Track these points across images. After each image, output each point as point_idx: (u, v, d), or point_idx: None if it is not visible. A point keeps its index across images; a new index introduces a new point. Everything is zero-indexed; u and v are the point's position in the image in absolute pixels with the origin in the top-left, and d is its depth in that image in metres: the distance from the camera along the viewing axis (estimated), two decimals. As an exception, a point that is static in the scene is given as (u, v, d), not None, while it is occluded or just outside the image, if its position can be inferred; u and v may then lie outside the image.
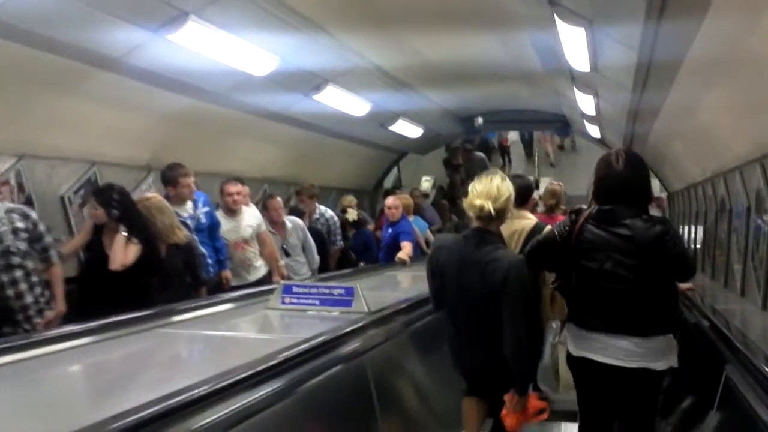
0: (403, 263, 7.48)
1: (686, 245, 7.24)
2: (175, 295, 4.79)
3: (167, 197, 5.67)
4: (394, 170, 14.11)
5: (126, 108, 5.99)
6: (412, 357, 4.65)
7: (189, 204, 5.91)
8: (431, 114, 10.56)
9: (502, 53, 7.45)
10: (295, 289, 4.54)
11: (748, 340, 3.66)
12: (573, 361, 3.68)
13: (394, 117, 9.69)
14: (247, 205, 6.66)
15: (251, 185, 8.21)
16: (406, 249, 7.55)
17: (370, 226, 9.49)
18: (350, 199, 9.12)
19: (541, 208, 6.81)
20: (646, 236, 3.41)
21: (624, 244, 3.43)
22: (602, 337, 3.49)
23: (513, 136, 17.21)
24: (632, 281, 3.43)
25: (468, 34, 6.67)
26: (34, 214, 4.55)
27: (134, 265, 4.81)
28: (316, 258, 7.39)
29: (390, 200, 8.07)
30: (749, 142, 4.95)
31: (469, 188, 3.64)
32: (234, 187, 6.47)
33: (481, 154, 15.34)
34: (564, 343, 3.83)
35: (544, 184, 10.47)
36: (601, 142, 11.69)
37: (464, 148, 15.60)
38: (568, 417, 5.26)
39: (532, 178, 13.74)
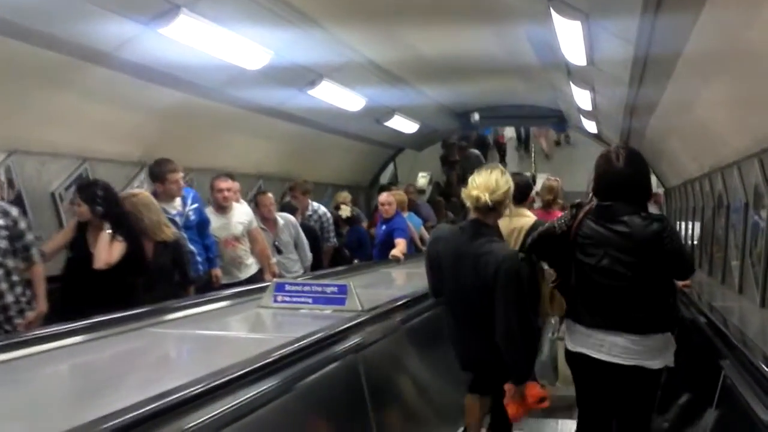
0: (397, 260, 7.43)
1: (684, 242, 7.20)
2: (162, 294, 4.70)
3: (155, 194, 5.58)
4: (391, 166, 14.07)
5: (118, 103, 5.93)
6: (406, 355, 4.63)
7: (177, 201, 5.81)
8: (427, 109, 10.51)
9: (498, 47, 7.41)
10: (287, 287, 4.50)
11: (746, 337, 3.65)
12: (570, 357, 3.70)
13: (389, 112, 9.64)
14: (237, 201, 6.57)
15: (246, 181, 8.18)
16: (400, 246, 7.50)
17: (364, 224, 9.42)
18: (345, 196, 9.06)
19: (538, 204, 6.80)
20: (643, 233, 3.42)
21: (622, 240, 3.43)
22: (599, 334, 3.50)
23: (509, 132, 17.16)
24: (630, 278, 3.43)
25: (463, 28, 6.63)
26: (15, 211, 4.43)
27: (119, 264, 4.70)
28: (309, 255, 7.28)
29: (383, 196, 7.99)
30: (747, 137, 4.91)
31: (469, 180, 3.69)
32: (224, 183, 6.38)
33: (477, 152, 15.28)
34: (563, 338, 3.86)
35: (541, 180, 10.45)
36: (597, 137, 11.66)
37: (459, 145, 15.55)
38: (566, 413, 5.25)
39: (528, 174, 13.79)
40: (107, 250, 4.68)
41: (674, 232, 3.62)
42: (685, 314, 4.78)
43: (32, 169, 5.60)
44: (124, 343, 3.62)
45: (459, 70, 8.44)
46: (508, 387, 3.67)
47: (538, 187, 7.72)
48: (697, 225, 7.69)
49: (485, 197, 3.59)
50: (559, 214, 6.25)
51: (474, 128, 13.56)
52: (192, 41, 5.09)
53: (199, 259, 5.83)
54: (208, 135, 7.48)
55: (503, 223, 4.32)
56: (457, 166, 15.18)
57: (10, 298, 4.31)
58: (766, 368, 2.97)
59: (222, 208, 6.38)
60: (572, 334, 3.64)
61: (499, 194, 3.63)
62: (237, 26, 5.21)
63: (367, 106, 8.47)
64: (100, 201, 4.79)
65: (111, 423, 2.13)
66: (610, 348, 3.47)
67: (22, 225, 4.43)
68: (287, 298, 4.45)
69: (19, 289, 4.37)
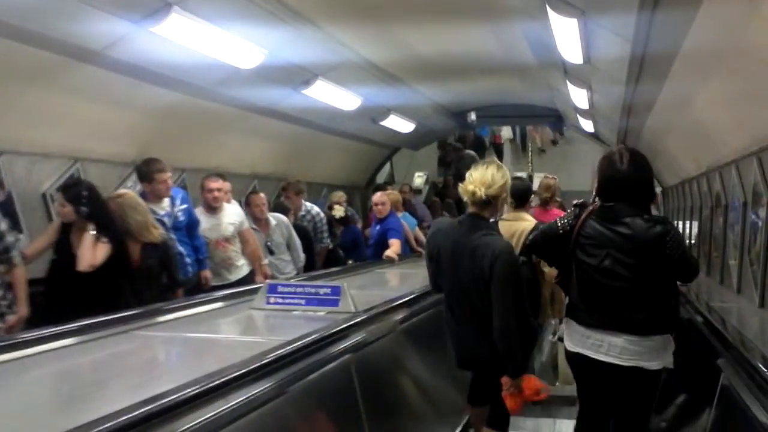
0: (391, 261, 7.36)
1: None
2: (150, 296, 4.60)
3: (143, 194, 5.49)
4: (387, 166, 14.02)
5: (110, 103, 5.88)
6: (400, 358, 4.58)
7: (166, 201, 5.71)
8: (423, 109, 10.47)
9: (494, 46, 7.36)
10: (280, 289, 4.44)
11: (745, 338, 3.63)
12: (570, 357, 3.72)
13: (385, 112, 9.60)
14: (228, 201, 6.48)
15: (241, 182, 8.14)
16: (394, 246, 7.44)
17: (359, 224, 9.34)
18: (339, 195, 8.98)
19: (535, 202, 6.83)
20: (646, 236, 3.43)
21: (624, 242, 3.45)
22: (598, 334, 3.52)
23: (506, 133, 17.13)
24: (630, 279, 3.45)
25: (459, 26, 6.59)
26: None
27: (104, 266, 4.57)
28: (302, 256, 7.17)
29: (377, 196, 7.92)
30: (746, 136, 4.87)
31: (466, 176, 3.77)
32: (215, 183, 6.28)
33: (472, 152, 15.23)
34: (562, 339, 3.89)
35: (538, 179, 10.48)
36: (594, 136, 11.63)
37: (454, 146, 15.50)
38: (565, 413, 5.22)
39: (525, 174, 13.77)
40: (91, 251, 4.56)
41: (677, 235, 3.63)
42: (683, 314, 4.74)
43: (22, 170, 5.52)
44: (110, 347, 3.55)
45: (455, 69, 8.40)
46: (505, 380, 3.72)
47: (535, 185, 7.72)
48: (695, 225, 7.66)
49: (481, 192, 3.66)
50: (557, 211, 6.42)
51: (471, 128, 13.53)
52: (184, 40, 5.04)
53: (188, 260, 5.74)
54: (202, 135, 7.43)
55: (504, 227, 4.50)
56: (452, 167, 15.15)
57: None
58: (764, 369, 2.94)
59: (212, 209, 6.29)
60: (571, 334, 3.66)
61: (494, 189, 3.70)
62: (230, 25, 5.16)
63: (362, 106, 8.41)
64: (84, 201, 4.68)
65: (97, 429, 2.08)
66: (609, 348, 3.48)
67: (2, 226, 4.36)
68: (280, 300, 4.39)
69: None
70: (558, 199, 7.27)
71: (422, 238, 8.79)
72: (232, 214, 6.41)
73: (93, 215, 4.68)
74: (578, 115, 9.73)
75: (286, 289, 4.43)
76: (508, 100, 11.54)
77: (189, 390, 2.52)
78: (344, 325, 3.85)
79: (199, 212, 6.20)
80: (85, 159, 6.09)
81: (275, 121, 8.05)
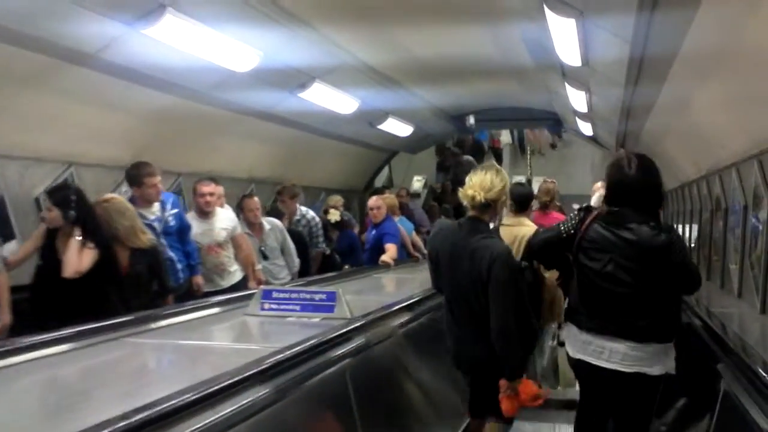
0: (387, 266, 7.30)
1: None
2: (139, 303, 4.49)
3: (132, 198, 5.41)
4: (386, 170, 13.97)
5: (105, 106, 5.83)
6: (396, 365, 4.54)
7: (156, 206, 5.62)
8: (421, 112, 10.42)
9: (492, 48, 7.32)
10: (274, 295, 4.38)
11: (746, 344, 3.58)
12: (572, 363, 3.73)
13: (383, 115, 9.55)
14: (221, 206, 6.40)
15: (238, 186, 8.09)
16: (390, 251, 7.38)
17: (356, 229, 9.27)
18: (336, 199, 8.91)
19: (535, 206, 6.85)
20: (650, 243, 3.42)
21: (627, 247, 3.44)
22: (599, 340, 3.52)
23: (505, 138, 17.09)
24: (633, 285, 3.44)
25: (456, 28, 6.54)
26: None
27: (90, 272, 4.46)
28: (296, 261, 7.06)
29: (372, 200, 7.85)
30: (746, 138, 4.83)
31: (466, 180, 3.84)
32: (207, 188, 6.18)
33: (470, 158, 15.16)
34: (563, 344, 4.01)
35: (537, 182, 10.49)
36: (593, 140, 11.58)
37: (452, 151, 15.44)
38: (564, 418, 5.18)
39: (524, 178, 13.74)
40: (77, 257, 4.45)
41: (683, 246, 3.64)
42: (683, 319, 4.71)
43: (15, 174, 5.47)
44: (101, 355, 3.48)
45: (453, 71, 8.35)
46: (502, 382, 3.74)
47: (534, 189, 7.71)
48: (695, 228, 7.61)
49: (480, 196, 3.73)
50: (557, 215, 6.44)
51: (469, 131, 13.46)
52: (178, 42, 4.99)
53: (179, 266, 5.65)
54: (198, 139, 7.38)
55: (505, 232, 4.65)
56: (450, 172, 15.08)
57: None
58: (764, 374, 2.92)
59: (204, 214, 6.19)
60: (573, 340, 3.66)
61: (494, 192, 3.76)
62: (225, 26, 5.11)
63: (360, 109, 8.36)
64: (73, 205, 4.57)
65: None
66: (611, 355, 3.49)
67: None
68: (274, 306, 4.34)
69: None
70: (557, 203, 7.33)
71: (419, 242, 8.73)
72: (225, 219, 6.32)
73: (80, 220, 4.57)
74: (577, 118, 9.69)
75: (281, 295, 4.37)
76: (507, 104, 11.52)
77: (181, 398, 2.48)
78: (339, 332, 3.81)
79: (191, 217, 6.12)
80: (79, 163, 6.04)
81: (272, 125, 8.00)
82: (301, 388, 3.17)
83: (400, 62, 7.57)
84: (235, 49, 5.50)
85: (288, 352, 3.21)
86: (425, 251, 8.24)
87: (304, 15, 5.61)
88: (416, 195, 14.29)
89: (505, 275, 3.64)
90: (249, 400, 2.76)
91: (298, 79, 6.87)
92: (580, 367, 3.65)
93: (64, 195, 4.65)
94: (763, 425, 2.72)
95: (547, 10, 4.44)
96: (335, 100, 7.80)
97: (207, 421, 2.50)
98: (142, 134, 6.46)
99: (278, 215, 7.42)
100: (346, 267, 8.06)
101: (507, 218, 5.01)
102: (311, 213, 8.04)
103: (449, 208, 12.57)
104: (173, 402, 2.43)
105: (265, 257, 6.77)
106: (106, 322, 3.80)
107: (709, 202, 6.53)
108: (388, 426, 4.08)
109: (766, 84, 3.74)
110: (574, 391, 3.97)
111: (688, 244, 7.92)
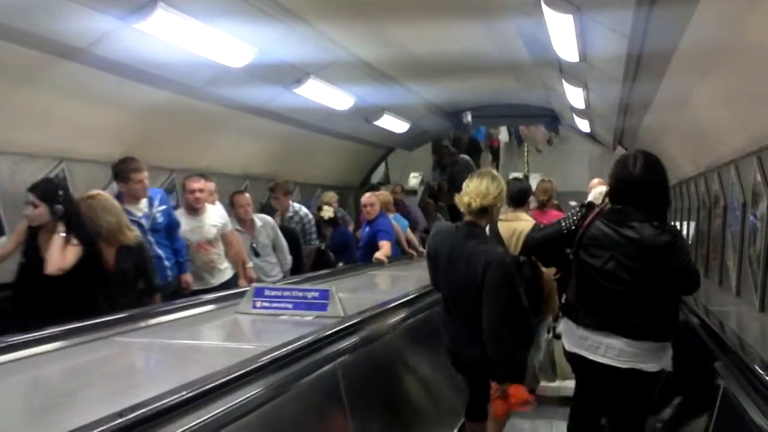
0: (380, 263, 7.24)
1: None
2: (126, 302, 4.37)
3: (119, 195, 5.31)
4: (382, 166, 13.92)
5: (97, 101, 5.76)
6: (389, 364, 4.50)
7: (143, 202, 5.49)
8: (417, 109, 10.38)
9: (489, 44, 7.28)
10: (267, 292, 4.33)
11: (744, 342, 3.57)
12: (568, 357, 3.75)
13: (379, 111, 9.49)
14: (213, 202, 6.30)
15: (232, 182, 8.02)
16: (384, 249, 7.31)
17: (350, 226, 9.20)
18: (331, 196, 8.82)
19: (533, 204, 6.84)
20: (653, 243, 3.40)
21: (629, 246, 3.43)
22: (595, 336, 3.52)
23: (504, 136, 17.06)
24: (632, 284, 3.43)
25: (454, 24, 6.50)
26: None
27: (74, 269, 4.31)
28: (289, 258, 6.96)
29: (365, 197, 7.77)
30: (745, 135, 4.80)
31: (462, 187, 3.90)
32: (196, 184, 6.07)
33: (466, 157, 15.06)
34: (559, 336, 3.92)
35: (534, 179, 10.48)
36: (591, 136, 11.55)
37: (448, 150, 15.36)
38: (560, 415, 5.16)
39: (521, 174, 13.70)
40: (60, 254, 4.31)
41: (684, 248, 3.60)
42: (681, 317, 4.68)
43: (6, 170, 5.38)
44: (87, 354, 3.42)
45: (449, 67, 8.30)
46: (493, 383, 3.78)
47: (531, 186, 7.71)
48: (693, 225, 7.59)
49: (476, 203, 3.80)
50: (555, 213, 6.43)
51: (466, 128, 13.41)
52: (171, 37, 4.93)
53: (167, 263, 5.53)
54: (192, 135, 7.32)
55: (503, 227, 4.73)
56: (446, 171, 15.01)
57: None
58: (761, 372, 2.91)
59: (194, 210, 6.09)
60: (569, 335, 3.67)
61: (489, 199, 3.83)
62: (218, 21, 5.05)
63: (355, 105, 8.31)
64: (60, 199, 4.43)
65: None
66: (607, 350, 3.49)
67: None
68: (266, 304, 4.28)
69: None
70: (555, 201, 7.35)
71: (414, 239, 8.68)
72: (215, 215, 6.21)
73: (65, 215, 4.43)
74: (574, 115, 9.65)
75: (273, 293, 4.32)
76: (504, 100, 11.48)
77: (170, 398, 2.44)
78: (332, 330, 3.76)
79: (180, 214, 6.02)
80: (71, 159, 5.98)
81: (267, 121, 7.94)
82: (293, 387, 3.14)
83: (395, 58, 7.52)
84: (229, 45, 5.44)
85: (280, 351, 3.17)
86: (420, 249, 8.22)
87: (299, 10, 5.56)
88: (413, 192, 14.23)
89: (499, 278, 3.68)
90: (240, 399, 2.73)
91: (293, 74, 6.81)
92: (575, 361, 3.68)
93: (51, 189, 4.50)
94: (761, 423, 2.72)
95: (543, 6, 4.40)
96: (331, 96, 7.74)
97: (198, 421, 2.46)
98: (135, 130, 6.39)
99: (271, 212, 7.33)
100: (340, 264, 7.99)
101: (505, 213, 5.00)
102: (304, 210, 7.94)
103: (444, 207, 12.52)
104: (163, 402, 2.39)
105: (256, 254, 6.67)
106: (93, 320, 3.74)
107: (708, 199, 6.50)
108: (380, 425, 4.05)
109: (766, 80, 3.71)
110: (571, 388, 3.95)
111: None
